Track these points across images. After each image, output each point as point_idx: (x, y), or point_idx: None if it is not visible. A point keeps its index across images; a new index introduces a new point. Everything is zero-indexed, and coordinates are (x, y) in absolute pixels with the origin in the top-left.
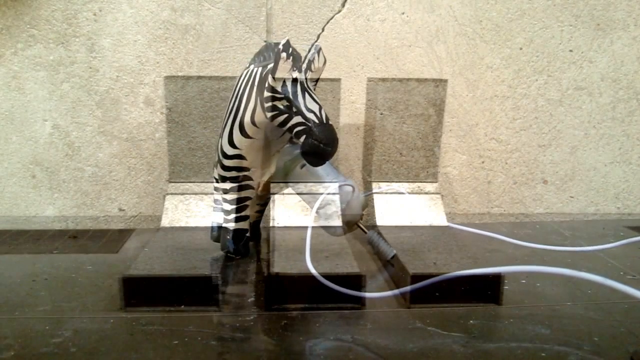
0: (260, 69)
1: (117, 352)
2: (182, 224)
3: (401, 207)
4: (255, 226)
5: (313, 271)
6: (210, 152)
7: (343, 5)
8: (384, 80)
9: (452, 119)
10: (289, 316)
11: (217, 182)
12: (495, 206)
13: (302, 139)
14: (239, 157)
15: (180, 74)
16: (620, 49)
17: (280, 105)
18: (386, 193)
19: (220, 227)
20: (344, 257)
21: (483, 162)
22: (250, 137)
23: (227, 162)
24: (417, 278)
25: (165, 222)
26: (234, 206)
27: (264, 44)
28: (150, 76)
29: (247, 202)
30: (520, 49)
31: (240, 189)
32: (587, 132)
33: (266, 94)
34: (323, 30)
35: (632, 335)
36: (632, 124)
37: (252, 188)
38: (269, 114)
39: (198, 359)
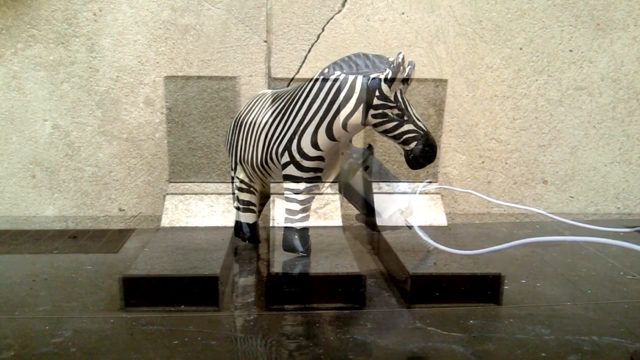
0: (360, 77)
1: (117, 352)
2: (182, 224)
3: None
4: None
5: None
6: (211, 152)
7: (343, 5)
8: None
9: (452, 119)
10: (288, 316)
11: (238, 181)
12: (495, 206)
13: (413, 144)
14: (319, 158)
15: (180, 74)
16: (620, 49)
17: (390, 113)
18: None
19: (249, 226)
20: (344, 257)
21: (483, 162)
22: (336, 140)
23: (306, 164)
24: (417, 278)
25: (165, 222)
26: (304, 206)
27: (354, 53)
28: (150, 76)
29: (312, 202)
30: (520, 49)
31: (310, 189)
32: (587, 132)
33: (377, 101)
34: (323, 30)
35: (632, 335)
36: (632, 124)
37: (319, 188)
38: (375, 120)
39: (198, 359)
